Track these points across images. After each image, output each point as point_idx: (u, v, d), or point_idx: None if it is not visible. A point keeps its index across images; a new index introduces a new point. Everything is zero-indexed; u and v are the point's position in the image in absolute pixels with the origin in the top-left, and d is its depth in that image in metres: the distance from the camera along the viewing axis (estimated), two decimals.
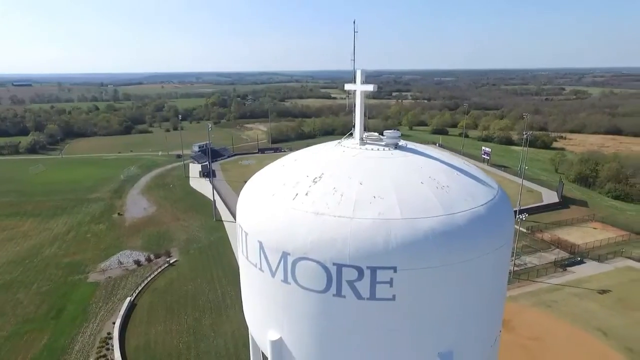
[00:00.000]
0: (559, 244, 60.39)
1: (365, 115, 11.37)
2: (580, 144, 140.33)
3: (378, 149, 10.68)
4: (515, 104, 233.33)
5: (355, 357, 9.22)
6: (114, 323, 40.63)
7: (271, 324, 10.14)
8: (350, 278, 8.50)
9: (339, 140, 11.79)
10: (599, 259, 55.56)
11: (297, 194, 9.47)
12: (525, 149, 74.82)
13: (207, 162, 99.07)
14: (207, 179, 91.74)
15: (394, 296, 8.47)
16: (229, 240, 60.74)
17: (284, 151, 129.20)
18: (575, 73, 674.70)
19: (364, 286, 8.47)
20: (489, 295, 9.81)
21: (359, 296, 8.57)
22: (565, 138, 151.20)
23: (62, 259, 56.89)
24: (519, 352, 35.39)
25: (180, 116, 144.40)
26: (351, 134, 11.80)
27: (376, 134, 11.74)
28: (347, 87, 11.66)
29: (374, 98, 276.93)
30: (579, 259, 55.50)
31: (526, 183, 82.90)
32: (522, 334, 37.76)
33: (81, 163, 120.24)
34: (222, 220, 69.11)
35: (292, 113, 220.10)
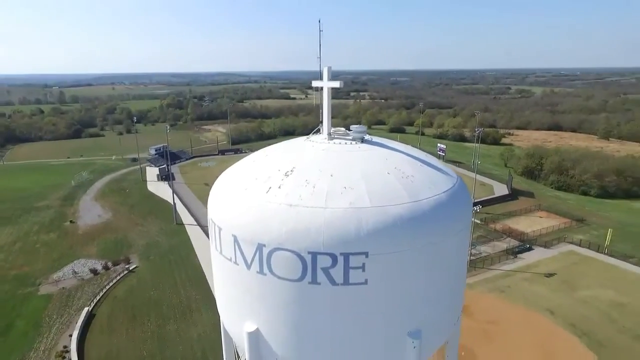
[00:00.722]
0: (510, 233, 64.28)
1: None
2: (525, 139, 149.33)
3: (346, 143, 11.14)
4: (466, 103, 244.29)
5: (330, 341, 9.53)
6: (70, 335, 38.59)
7: (247, 316, 10.26)
8: (324, 265, 8.81)
9: (307, 136, 12.14)
10: (545, 245, 59.74)
11: (270, 188, 9.69)
12: (477, 145, 78.72)
13: (164, 165, 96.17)
14: (166, 182, 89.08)
15: (366, 280, 8.86)
16: (191, 244, 59.29)
17: (245, 152, 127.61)
18: (519, 73, 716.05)
19: (337, 272, 8.80)
20: (452, 275, 10.55)
21: (333, 282, 8.89)
22: (512, 134, 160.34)
23: (8, 272, 53.11)
24: (479, 335, 37.51)
25: (135, 118, 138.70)
26: (318, 130, 12.21)
27: (343, 129, 12.20)
28: (315, 83, 12.03)
29: (333, 98, 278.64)
30: (528, 246, 59.39)
31: (479, 177, 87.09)
32: (480, 319, 40.02)
33: (26, 170, 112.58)
34: (183, 224, 67.29)
35: (251, 114, 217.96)
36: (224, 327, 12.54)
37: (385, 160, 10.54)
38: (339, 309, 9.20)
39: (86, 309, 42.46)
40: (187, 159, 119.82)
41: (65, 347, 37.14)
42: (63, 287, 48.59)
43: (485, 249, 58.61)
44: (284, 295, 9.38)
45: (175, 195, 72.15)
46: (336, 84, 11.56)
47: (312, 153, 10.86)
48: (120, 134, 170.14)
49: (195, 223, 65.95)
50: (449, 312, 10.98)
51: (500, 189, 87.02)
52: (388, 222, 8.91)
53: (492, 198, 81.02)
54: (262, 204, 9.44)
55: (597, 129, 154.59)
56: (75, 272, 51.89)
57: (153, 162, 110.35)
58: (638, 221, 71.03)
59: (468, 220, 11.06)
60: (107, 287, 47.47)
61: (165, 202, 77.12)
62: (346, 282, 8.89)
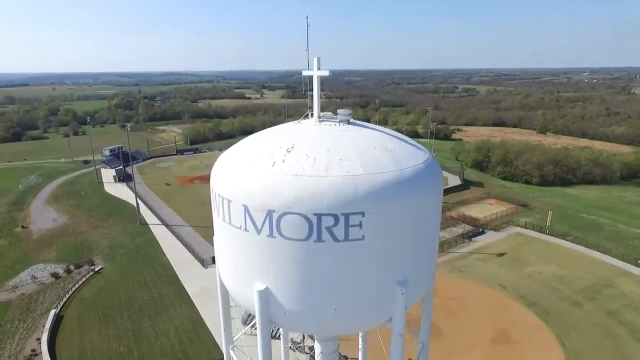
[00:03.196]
0: (464, 219, 69.18)
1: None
2: (473, 135, 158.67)
3: (334, 125, 12.81)
4: (418, 101, 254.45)
5: (331, 292, 11.13)
6: (38, 339, 37.34)
7: (257, 277, 11.57)
8: (328, 225, 10.37)
9: (298, 120, 13.74)
10: (496, 228, 65.09)
11: (274, 162, 11.14)
12: (432, 140, 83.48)
13: (121, 167, 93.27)
14: (124, 184, 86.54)
15: (363, 236, 10.47)
16: (158, 242, 58.17)
17: (204, 151, 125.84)
18: (465, 73, 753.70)
19: (339, 230, 10.38)
20: (430, 234, 12.56)
21: (335, 239, 10.45)
22: (461, 130, 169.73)
23: None
24: (442, 310, 40.74)
25: (89, 118, 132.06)
26: (307, 115, 13.85)
27: (330, 113, 13.94)
28: (305, 73, 13.63)
29: (289, 98, 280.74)
30: (481, 230, 64.40)
31: None
32: (443, 296, 43.38)
33: None
34: (147, 224, 65.80)
35: (206, 114, 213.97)
36: (222, 292, 13.75)
37: (371, 138, 12.34)
38: (340, 262, 10.76)
39: (53, 311, 41.08)
40: (144, 160, 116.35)
41: (33, 350, 35.97)
42: (22, 293, 46.51)
43: (444, 234, 62.74)
44: (292, 254, 10.80)
45: (137, 196, 70.46)
46: (325, 73, 13.25)
47: (307, 133, 12.42)
48: (67, 135, 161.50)
49: (160, 222, 64.80)
50: (428, 266, 12.99)
51: (454, 180, 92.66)
52: (379, 187, 10.65)
53: (447, 188, 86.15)
54: (270, 176, 10.84)
55: (536, 125, 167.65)
56: (35, 277, 49.72)
57: (108, 163, 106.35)
58: (572, 204, 78.89)
59: (440, 186, 13.12)
60: (73, 289, 46.04)
61: (126, 203, 74.92)
62: (346, 238, 10.46)
